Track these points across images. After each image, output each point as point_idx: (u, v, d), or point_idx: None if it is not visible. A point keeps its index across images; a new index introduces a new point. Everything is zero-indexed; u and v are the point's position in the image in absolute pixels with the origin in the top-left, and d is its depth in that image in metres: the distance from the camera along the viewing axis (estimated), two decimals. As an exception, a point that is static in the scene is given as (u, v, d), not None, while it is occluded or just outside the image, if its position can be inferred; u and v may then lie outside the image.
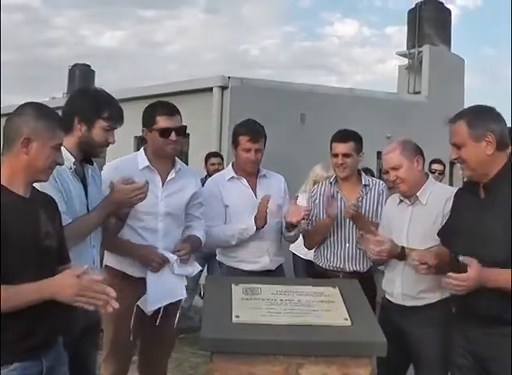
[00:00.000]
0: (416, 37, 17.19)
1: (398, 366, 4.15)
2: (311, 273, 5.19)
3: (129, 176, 3.69)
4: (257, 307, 3.18)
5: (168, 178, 4.19)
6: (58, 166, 2.93)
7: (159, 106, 4.22)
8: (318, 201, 4.92)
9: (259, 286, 3.42)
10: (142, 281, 4.03)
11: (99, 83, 24.08)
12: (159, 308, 4.06)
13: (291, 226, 4.55)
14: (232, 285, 3.41)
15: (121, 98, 7.54)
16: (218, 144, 10.34)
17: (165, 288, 4.07)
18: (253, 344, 2.93)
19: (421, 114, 14.92)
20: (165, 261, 4.02)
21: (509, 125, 3.38)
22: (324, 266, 4.86)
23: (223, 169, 5.82)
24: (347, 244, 4.78)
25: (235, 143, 4.69)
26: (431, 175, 4.46)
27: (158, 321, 4.04)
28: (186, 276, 4.21)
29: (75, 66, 24.11)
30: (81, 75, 23.60)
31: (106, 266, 4.19)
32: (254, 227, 4.46)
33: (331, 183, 4.93)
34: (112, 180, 3.71)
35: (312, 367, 2.93)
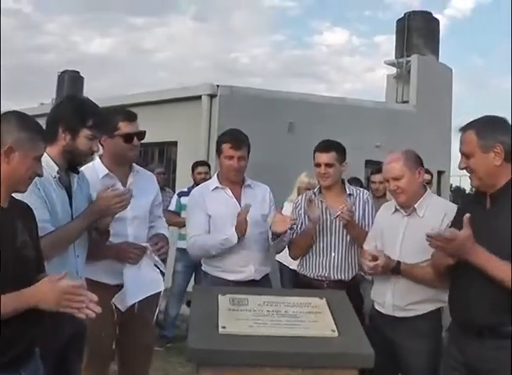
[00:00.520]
0: (404, 46, 17.29)
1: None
2: (296, 283, 5.19)
3: (107, 185, 3.67)
4: (243, 318, 3.16)
5: (129, 182, 4.21)
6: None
7: (119, 112, 4.26)
8: (302, 210, 4.93)
9: (246, 297, 3.40)
10: (119, 288, 4.06)
11: (88, 89, 24.13)
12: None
13: (276, 236, 4.54)
14: (219, 295, 3.39)
15: (110, 105, 7.55)
16: (206, 153, 10.34)
17: (142, 282, 4.11)
18: (239, 356, 2.91)
19: (409, 123, 14.99)
20: (143, 250, 4.06)
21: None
22: (309, 276, 4.86)
23: (210, 178, 5.81)
24: (333, 254, 4.78)
25: (218, 151, 4.69)
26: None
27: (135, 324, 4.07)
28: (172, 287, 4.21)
29: (64, 72, 24.09)
30: (70, 81, 23.59)
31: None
32: (236, 238, 4.45)
33: (314, 193, 4.96)
34: None
35: (299, 378, 2.92)
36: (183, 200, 7.71)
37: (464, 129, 3.36)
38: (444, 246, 3.16)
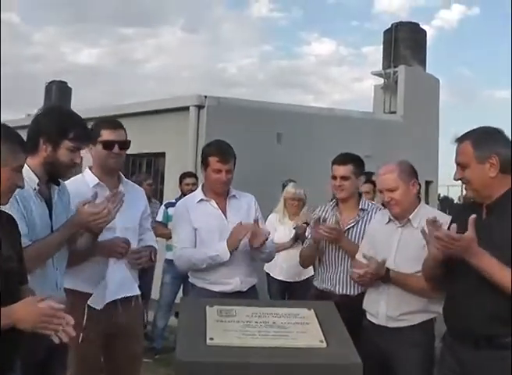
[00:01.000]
0: (391, 57, 17.40)
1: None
2: (311, 294, 5.21)
3: (87, 199, 3.61)
4: (231, 329, 3.15)
5: None
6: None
7: (104, 121, 4.32)
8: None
9: (234, 308, 3.39)
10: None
11: (76, 100, 24.10)
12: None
13: (254, 249, 4.53)
14: (207, 307, 3.37)
15: (98, 116, 7.54)
16: (194, 164, 10.33)
17: (123, 281, 4.14)
18: (227, 367, 2.90)
19: (396, 133, 15.05)
20: (128, 244, 4.06)
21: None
22: (319, 288, 4.91)
23: (197, 189, 5.81)
24: (339, 268, 4.80)
25: (204, 164, 4.67)
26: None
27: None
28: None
29: (52, 82, 24.08)
30: (58, 92, 23.58)
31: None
32: (228, 254, 4.43)
33: (331, 205, 5.01)
34: None
35: (288, 390, 2.91)
36: (171, 211, 7.70)
37: (459, 140, 3.36)
38: (450, 246, 3.12)
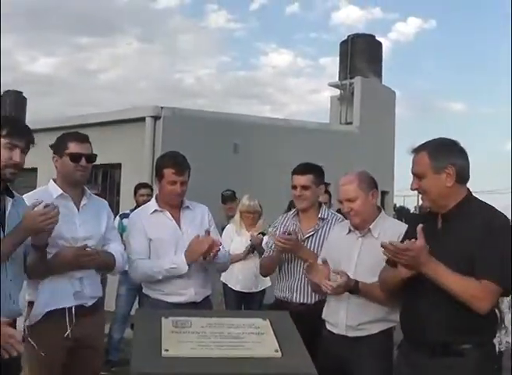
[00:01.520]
0: (348, 68, 17.57)
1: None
2: (271, 303, 5.21)
3: (35, 202, 3.54)
4: (187, 340, 3.14)
5: (82, 204, 4.24)
6: None
7: (71, 134, 4.27)
8: (277, 232, 4.93)
9: (189, 319, 3.38)
10: (68, 310, 4.04)
11: (32, 110, 23.83)
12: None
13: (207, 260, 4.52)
14: (162, 318, 3.36)
15: (53, 126, 7.49)
16: (150, 175, 10.28)
17: (58, 293, 4.04)
18: (183, 378, 2.90)
19: (352, 144, 15.18)
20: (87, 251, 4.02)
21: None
22: (278, 297, 4.91)
23: (152, 200, 5.79)
24: (297, 277, 4.79)
25: (159, 175, 4.65)
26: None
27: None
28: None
29: (7, 92, 23.77)
30: (13, 102, 23.30)
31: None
32: (187, 267, 4.43)
33: (291, 215, 5.01)
34: None
35: (243, 400, 2.92)
36: (125, 222, 7.65)
37: (416, 150, 3.40)
38: (400, 257, 3.16)
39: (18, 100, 23.54)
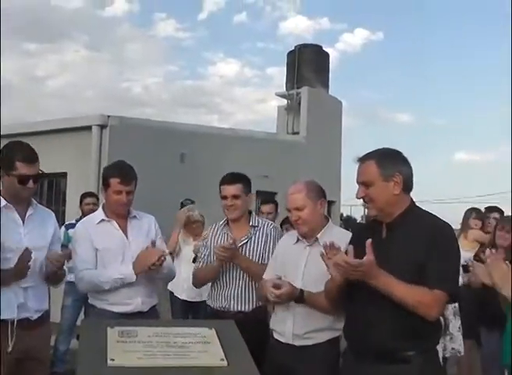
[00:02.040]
0: (295, 78, 17.61)
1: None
2: (207, 314, 5.17)
3: None
4: (133, 350, 3.13)
5: (28, 214, 4.21)
6: None
7: (19, 150, 4.14)
8: (209, 242, 4.96)
9: (135, 328, 3.36)
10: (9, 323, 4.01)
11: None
12: None
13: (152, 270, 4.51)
14: (108, 328, 3.35)
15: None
16: (96, 184, 10.20)
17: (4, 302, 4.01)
18: (128, 388, 2.89)
19: (299, 154, 15.25)
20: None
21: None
22: (213, 306, 4.87)
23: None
24: (234, 285, 4.79)
25: (105, 185, 4.63)
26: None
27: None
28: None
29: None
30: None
31: None
32: (135, 277, 4.42)
33: (221, 225, 4.99)
34: None
35: (189, 409, 2.92)
36: (71, 232, 7.57)
37: (362, 159, 3.44)
38: (350, 272, 3.19)
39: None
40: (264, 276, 4.31)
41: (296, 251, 4.20)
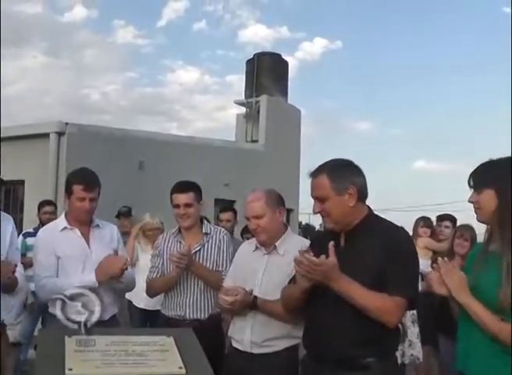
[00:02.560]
0: (254, 86, 17.68)
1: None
2: (159, 323, 5.16)
3: None
4: (91, 359, 3.12)
5: None
6: None
7: None
8: (162, 251, 4.95)
9: (93, 337, 3.36)
10: None
11: None
12: None
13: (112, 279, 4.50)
14: (66, 337, 3.34)
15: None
16: (54, 192, 10.16)
17: None
18: (86, 397, 2.89)
19: (258, 162, 15.31)
20: None
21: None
22: (168, 315, 4.86)
23: (56, 218, 5.70)
24: (189, 292, 4.79)
25: (68, 192, 4.60)
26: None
27: None
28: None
29: None
30: None
31: None
32: (96, 285, 4.38)
33: (173, 233, 4.98)
34: None
35: (147, 417, 2.92)
36: (29, 241, 7.52)
37: (314, 174, 3.42)
38: (311, 271, 3.18)
39: None
40: (224, 285, 4.32)
41: (255, 259, 4.21)
